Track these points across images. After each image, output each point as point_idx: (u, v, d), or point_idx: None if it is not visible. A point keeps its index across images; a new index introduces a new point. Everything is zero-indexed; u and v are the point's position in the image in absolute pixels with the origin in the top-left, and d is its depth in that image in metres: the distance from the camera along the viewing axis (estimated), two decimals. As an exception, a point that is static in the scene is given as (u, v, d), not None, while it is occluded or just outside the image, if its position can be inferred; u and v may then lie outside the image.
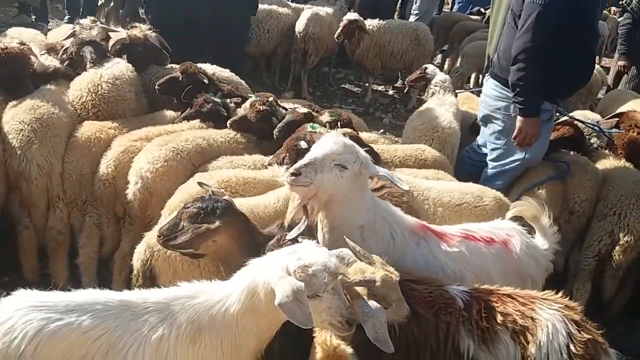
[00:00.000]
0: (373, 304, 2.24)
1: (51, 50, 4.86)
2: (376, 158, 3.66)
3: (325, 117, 4.21)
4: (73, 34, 5.19)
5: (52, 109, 4.00)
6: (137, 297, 2.28)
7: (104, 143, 3.98)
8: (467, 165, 4.96)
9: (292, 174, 2.57)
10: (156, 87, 4.57)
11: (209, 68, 5.31)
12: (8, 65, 4.16)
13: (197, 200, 2.71)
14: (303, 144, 3.68)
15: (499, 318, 2.52)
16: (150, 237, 3.16)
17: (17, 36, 5.41)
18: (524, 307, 2.53)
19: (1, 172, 3.81)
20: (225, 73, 5.45)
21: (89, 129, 4.06)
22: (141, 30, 5.04)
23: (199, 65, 4.78)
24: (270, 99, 4.32)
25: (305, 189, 2.61)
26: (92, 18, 5.40)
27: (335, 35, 7.84)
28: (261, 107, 4.19)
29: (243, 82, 5.55)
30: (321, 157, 2.60)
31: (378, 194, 3.21)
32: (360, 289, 2.31)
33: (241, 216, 2.77)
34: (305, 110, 4.27)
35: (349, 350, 2.31)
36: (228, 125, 4.23)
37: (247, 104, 4.31)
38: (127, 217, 3.86)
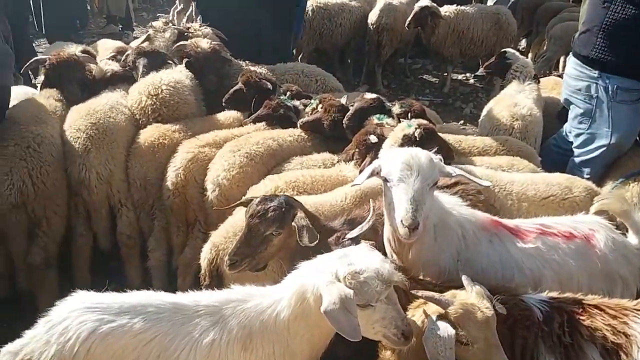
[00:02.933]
0: (444, 324, 2.04)
1: (120, 53, 4.98)
2: (449, 154, 3.51)
3: (396, 108, 4.00)
4: (148, 38, 5.40)
5: (109, 113, 4.01)
6: (189, 299, 2.26)
7: (167, 148, 3.94)
8: (554, 154, 4.64)
9: (414, 229, 2.32)
10: (223, 102, 4.55)
11: (298, 66, 5.32)
12: (57, 70, 4.41)
13: (255, 215, 2.59)
14: (373, 138, 3.55)
15: (586, 333, 2.24)
16: (216, 236, 3.16)
17: (102, 46, 5.77)
18: (615, 321, 2.23)
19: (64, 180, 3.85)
20: (311, 68, 5.40)
21: (151, 133, 4.03)
22: (201, 33, 5.09)
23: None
24: (344, 102, 4.17)
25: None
26: (165, 20, 5.52)
27: (406, 24, 7.56)
28: (336, 114, 4.05)
29: (331, 75, 5.50)
30: (421, 189, 2.37)
31: (451, 191, 3.02)
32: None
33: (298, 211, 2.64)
34: (373, 95, 4.10)
35: None
36: (299, 126, 4.16)
37: (315, 104, 4.23)
38: (198, 224, 3.85)
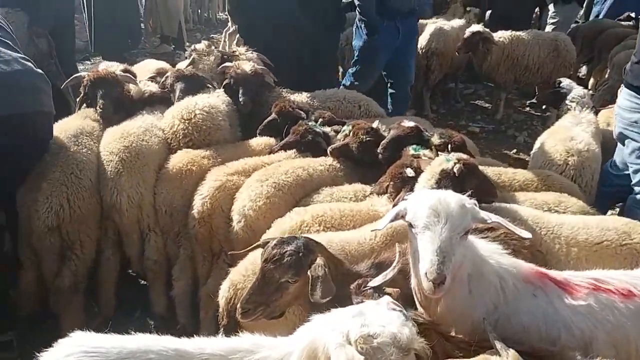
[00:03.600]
0: None
1: (161, 74, 4.96)
2: (492, 191, 3.26)
3: (434, 139, 3.75)
4: (193, 61, 5.39)
5: (142, 136, 3.98)
6: (194, 346, 2.08)
7: (195, 175, 3.85)
8: (601, 192, 4.25)
9: (439, 284, 2.08)
10: (257, 133, 4.45)
11: (339, 92, 5.23)
12: (94, 87, 4.40)
13: (270, 260, 2.42)
14: (409, 172, 3.32)
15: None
16: (235, 274, 3.00)
17: (143, 67, 5.80)
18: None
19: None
20: (353, 93, 5.31)
21: (180, 159, 3.96)
22: (245, 57, 5.04)
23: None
24: (375, 126, 3.98)
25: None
26: (207, 42, 5.49)
27: (456, 49, 7.32)
28: (364, 137, 3.87)
29: (373, 100, 5.36)
30: (449, 239, 2.12)
31: (493, 235, 2.72)
32: None
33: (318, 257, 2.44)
34: (411, 123, 3.85)
35: None
36: (329, 152, 4.00)
37: (347, 129, 4.04)
38: (224, 255, 3.70)
